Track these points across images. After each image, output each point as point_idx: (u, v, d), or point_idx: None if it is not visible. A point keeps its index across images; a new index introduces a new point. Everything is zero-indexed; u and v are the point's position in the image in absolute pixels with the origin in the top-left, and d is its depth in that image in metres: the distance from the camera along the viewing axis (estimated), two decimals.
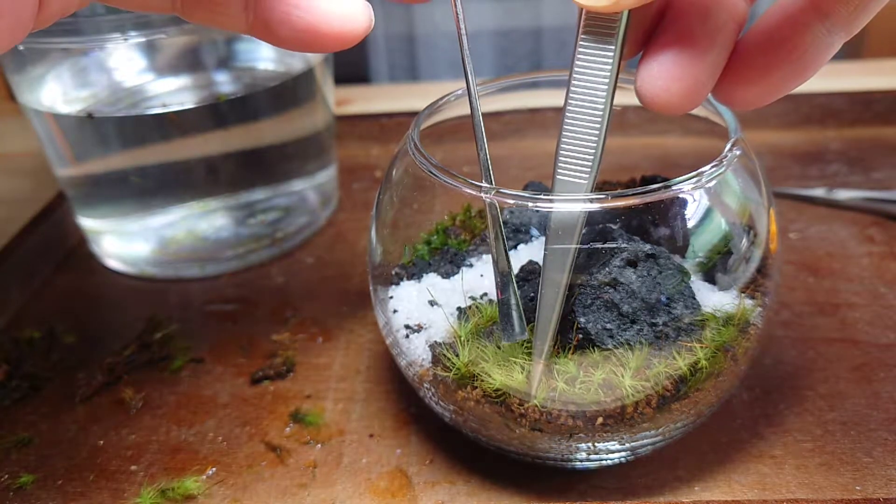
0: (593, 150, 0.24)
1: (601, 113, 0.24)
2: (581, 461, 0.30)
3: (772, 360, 0.37)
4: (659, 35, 0.23)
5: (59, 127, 0.44)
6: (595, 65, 0.23)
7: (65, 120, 0.44)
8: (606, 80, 0.23)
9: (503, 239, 0.26)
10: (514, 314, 0.26)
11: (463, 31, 0.24)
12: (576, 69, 0.24)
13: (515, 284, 0.26)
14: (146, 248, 0.48)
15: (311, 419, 0.36)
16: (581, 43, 0.23)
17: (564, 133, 0.24)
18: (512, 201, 0.25)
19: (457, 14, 0.24)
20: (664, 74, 0.22)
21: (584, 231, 0.26)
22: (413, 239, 0.33)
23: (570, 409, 0.27)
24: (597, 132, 0.24)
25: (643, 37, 0.24)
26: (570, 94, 0.24)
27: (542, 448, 0.29)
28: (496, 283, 0.26)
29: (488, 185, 0.26)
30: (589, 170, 0.24)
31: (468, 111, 0.33)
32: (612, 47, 0.23)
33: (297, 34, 0.22)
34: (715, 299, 0.28)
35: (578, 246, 0.25)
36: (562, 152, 0.25)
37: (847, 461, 0.32)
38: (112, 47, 0.44)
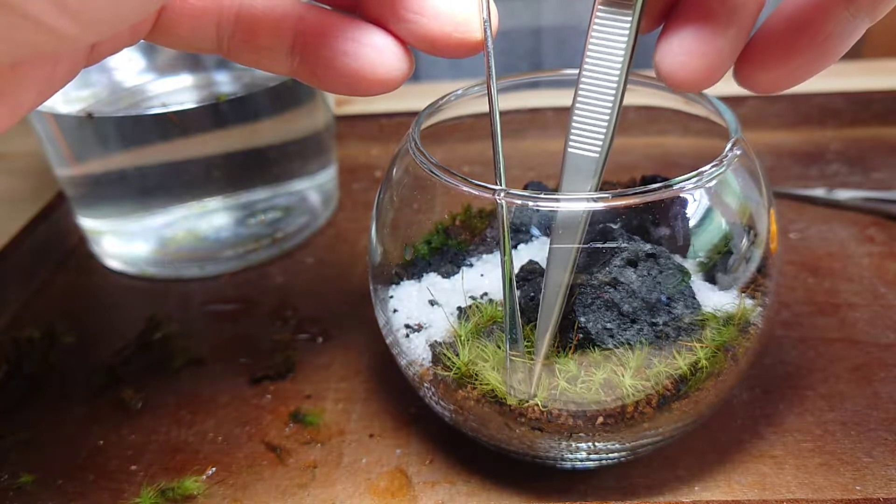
0: (606, 123, 0.24)
1: (616, 86, 0.23)
2: (581, 461, 0.30)
3: (772, 360, 0.37)
4: (679, 10, 0.23)
5: (59, 127, 0.44)
6: (611, 36, 0.23)
7: (65, 120, 0.43)
8: (622, 52, 0.23)
9: (511, 270, 0.26)
10: (521, 367, 0.26)
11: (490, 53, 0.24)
12: (591, 40, 0.23)
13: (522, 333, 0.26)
14: (146, 248, 0.48)
15: (311, 419, 0.36)
16: (598, 13, 0.23)
17: (577, 105, 0.24)
18: (520, 201, 0.25)
19: (485, 30, 0.24)
20: (683, 50, 0.22)
21: (585, 231, 0.26)
22: (413, 239, 0.33)
23: (570, 408, 0.27)
24: (610, 105, 0.23)
25: (662, 11, 0.23)
26: (585, 67, 0.23)
27: (542, 448, 0.29)
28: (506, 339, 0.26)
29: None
30: (601, 144, 0.24)
31: (468, 111, 0.33)
32: (629, 18, 0.23)
33: (341, 79, 0.23)
34: (715, 299, 0.28)
35: (580, 246, 0.25)
36: (574, 125, 0.24)
37: (847, 461, 0.32)
38: None
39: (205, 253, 0.48)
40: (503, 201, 0.25)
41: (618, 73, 0.23)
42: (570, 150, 0.25)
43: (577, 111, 0.24)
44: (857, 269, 0.44)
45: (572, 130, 0.24)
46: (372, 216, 0.32)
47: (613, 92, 0.23)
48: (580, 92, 0.24)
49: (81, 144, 0.45)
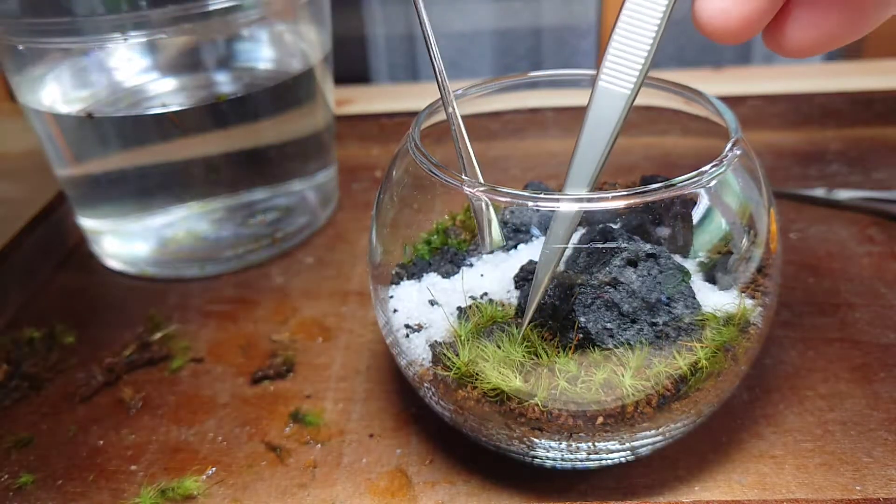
0: (644, 57, 0.23)
1: (658, 21, 0.23)
2: (581, 461, 0.30)
3: (772, 360, 0.37)
4: None
5: (59, 127, 0.44)
6: None
7: (65, 120, 0.44)
8: None
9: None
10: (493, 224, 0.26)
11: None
12: None
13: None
14: (146, 248, 0.48)
15: (311, 419, 0.36)
16: None
17: (616, 36, 0.23)
18: (514, 200, 0.25)
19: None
20: None
21: (585, 230, 0.26)
22: (413, 239, 0.33)
23: (570, 408, 0.27)
24: (652, 37, 0.23)
25: None
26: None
27: (542, 448, 0.29)
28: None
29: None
30: (634, 80, 0.23)
31: (468, 111, 0.33)
32: None
33: None
34: (715, 299, 0.28)
35: (576, 250, 0.25)
36: (609, 58, 0.23)
37: (847, 461, 0.32)
38: (112, 47, 0.44)
39: (205, 253, 0.48)
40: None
41: (663, 7, 0.23)
42: (601, 84, 0.24)
43: (614, 43, 0.23)
44: (857, 269, 0.44)
45: (607, 63, 0.23)
46: (372, 216, 0.32)
47: (656, 27, 0.23)
48: (620, 23, 0.23)
49: (81, 144, 0.45)
